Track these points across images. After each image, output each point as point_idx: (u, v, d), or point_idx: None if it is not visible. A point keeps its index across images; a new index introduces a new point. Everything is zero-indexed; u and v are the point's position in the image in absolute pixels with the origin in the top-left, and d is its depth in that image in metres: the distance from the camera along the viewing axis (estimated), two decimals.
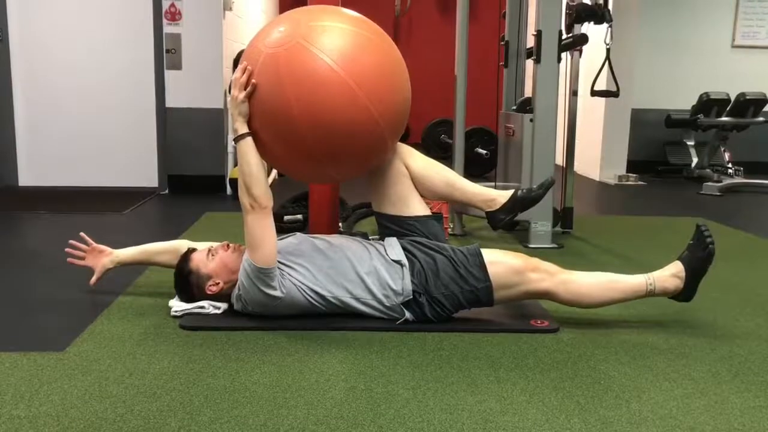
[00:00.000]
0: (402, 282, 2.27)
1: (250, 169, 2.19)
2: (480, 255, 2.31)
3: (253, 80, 2.14)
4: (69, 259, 2.66)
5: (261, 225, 2.19)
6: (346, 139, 2.15)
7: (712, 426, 1.68)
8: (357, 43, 2.15)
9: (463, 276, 2.27)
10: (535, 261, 2.32)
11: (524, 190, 2.47)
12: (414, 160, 2.45)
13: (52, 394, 1.78)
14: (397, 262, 2.29)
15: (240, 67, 2.18)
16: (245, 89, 2.14)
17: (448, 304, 2.29)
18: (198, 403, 1.75)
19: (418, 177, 2.44)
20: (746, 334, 2.34)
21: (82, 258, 2.67)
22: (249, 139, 2.20)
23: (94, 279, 2.64)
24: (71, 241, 2.67)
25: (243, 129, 2.20)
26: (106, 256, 2.66)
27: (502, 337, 2.25)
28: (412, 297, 2.27)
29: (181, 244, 2.59)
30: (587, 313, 2.52)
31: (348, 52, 2.12)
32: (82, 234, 2.69)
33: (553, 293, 2.30)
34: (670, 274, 2.33)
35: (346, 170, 2.33)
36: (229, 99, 2.25)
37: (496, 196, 2.47)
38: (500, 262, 2.30)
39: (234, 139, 2.23)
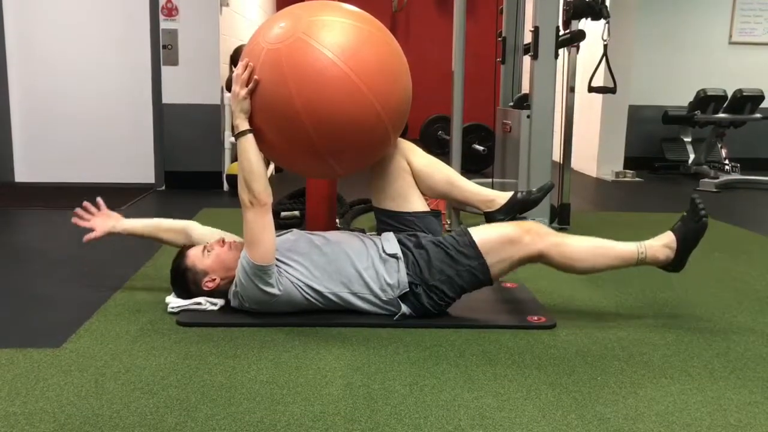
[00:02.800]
0: (398, 275, 2.27)
1: (251, 165, 2.19)
2: (468, 234, 2.29)
3: (255, 76, 2.13)
4: (74, 219, 2.62)
5: (260, 222, 2.18)
6: (350, 133, 2.15)
7: (708, 422, 1.68)
8: (358, 37, 2.15)
9: (454, 258, 2.25)
10: (528, 223, 2.30)
11: (523, 193, 2.47)
12: (416, 156, 2.45)
13: (48, 391, 1.78)
14: (393, 255, 2.29)
15: (241, 63, 2.18)
16: (247, 86, 2.14)
17: (448, 290, 2.27)
18: (195, 399, 1.75)
19: (419, 173, 2.43)
20: (743, 330, 2.34)
21: (88, 220, 2.63)
22: (250, 136, 2.20)
23: (91, 236, 2.58)
24: (85, 203, 2.64)
25: (244, 125, 2.19)
26: (113, 220, 2.63)
27: (499, 334, 2.25)
28: (408, 289, 2.27)
29: (190, 226, 2.58)
30: (584, 308, 2.53)
31: (349, 46, 2.11)
32: (99, 199, 2.65)
33: (547, 255, 2.27)
34: (662, 245, 2.32)
35: (349, 164, 2.33)
36: (229, 95, 2.26)
37: (495, 197, 2.47)
38: (492, 234, 2.28)
39: (235, 136, 2.23)
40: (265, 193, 2.20)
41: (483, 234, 2.30)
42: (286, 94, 2.09)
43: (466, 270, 2.26)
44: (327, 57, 2.08)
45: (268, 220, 2.21)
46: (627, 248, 2.32)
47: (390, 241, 2.34)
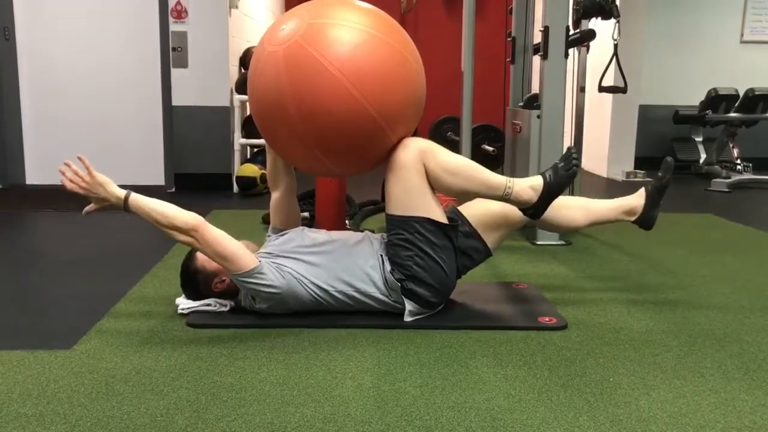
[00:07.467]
0: (383, 275, 2.27)
1: (161, 213, 2.14)
2: (390, 216, 2.28)
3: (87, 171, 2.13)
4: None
5: (212, 241, 2.15)
6: (344, 138, 2.16)
7: (722, 424, 1.66)
8: (355, 40, 2.13)
9: (408, 239, 2.24)
10: (409, 147, 2.23)
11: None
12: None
13: (59, 392, 1.78)
14: (381, 256, 2.29)
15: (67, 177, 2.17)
16: (85, 182, 2.15)
17: (431, 275, 2.25)
18: (205, 400, 1.75)
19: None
20: (756, 331, 2.32)
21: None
22: (132, 195, 2.15)
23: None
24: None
25: (120, 192, 2.15)
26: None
27: (510, 335, 2.23)
28: (401, 286, 2.26)
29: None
30: (595, 309, 2.51)
31: (344, 50, 2.11)
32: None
33: (426, 164, 2.23)
34: (529, 185, 2.29)
35: (349, 166, 2.36)
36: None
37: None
38: (398, 191, 2.24)
39: (124, 209, 2.16)
40: (190, 217, 2.15)
41: (398, 203, 2.25)
42: (281, 98, 2.13)
43: (417, 233, 2.23)
44: (319, 62, 2.09)
45: (216, 233, 2.17)
46: (497, 178, 2.28)
47: (382, 243, 2.35)
